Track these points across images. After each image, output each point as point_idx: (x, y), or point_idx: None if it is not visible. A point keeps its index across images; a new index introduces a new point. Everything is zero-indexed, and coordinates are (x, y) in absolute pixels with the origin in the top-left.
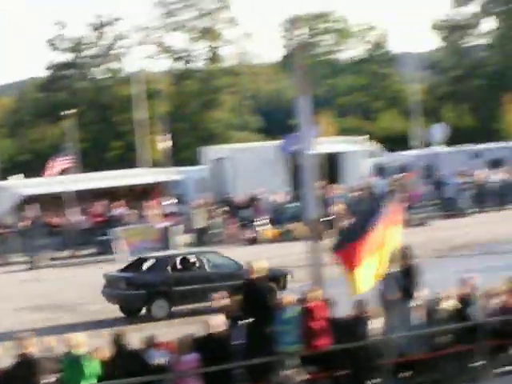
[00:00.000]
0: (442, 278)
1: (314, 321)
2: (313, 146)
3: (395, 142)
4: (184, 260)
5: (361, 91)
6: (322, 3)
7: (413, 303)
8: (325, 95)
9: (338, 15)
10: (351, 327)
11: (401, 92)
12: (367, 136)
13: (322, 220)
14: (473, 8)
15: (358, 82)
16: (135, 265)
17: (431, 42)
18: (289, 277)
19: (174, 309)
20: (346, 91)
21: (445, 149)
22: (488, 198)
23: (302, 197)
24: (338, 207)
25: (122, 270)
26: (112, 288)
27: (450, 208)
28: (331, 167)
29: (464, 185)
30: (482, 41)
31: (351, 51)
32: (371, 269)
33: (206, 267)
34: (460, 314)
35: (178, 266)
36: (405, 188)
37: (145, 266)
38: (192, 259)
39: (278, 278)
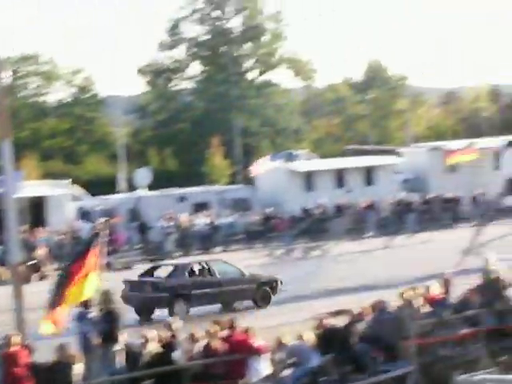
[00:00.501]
0: (146, 323)
1: (15, 367)
2: (16, 190)
3: (102, 185)
4: (198, 267)
5: (65, 135)
6: (29, 45)
7: (116, 347)
8: (29, 138)
9: (45, 58)
10: (53, 372)
11: (107, 135)
12: (71, 180)
13: (25, 264)
14: (178, 52)
15: (63, 126)
16: (149, 272)
17: (138, 86)
18: (279, 283)
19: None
20: (51, 134)
21: (150, 193)
22: (192, 241)
23: (5, 240)
24: (41, 251)
25: (141, 276)
26: (136, 291)
27: (154, 252)
28: (35, 211)
29: (168, 228)
30: (188, 85)
31: (58, 94)
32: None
33: (216, 273)
34: (164, 357)
35: (194, 272)
36: (109, 232)
37: (159, 273)
38: (204, 266)
39: (271, 283)
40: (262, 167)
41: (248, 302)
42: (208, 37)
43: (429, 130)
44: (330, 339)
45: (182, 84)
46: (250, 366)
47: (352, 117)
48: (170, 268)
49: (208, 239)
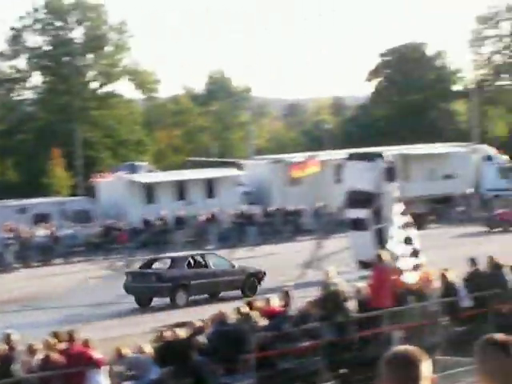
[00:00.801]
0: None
1: None
2: None
3: None
4: (194, 259)
5: None
6: None
7: None
8: None
9: None
10: None
11: None
12: None
13: None
14: (20, 62)
15: None
16: (148, 264)
17: None
18: (264, 274)
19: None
20: None
21: None
22: (32, 253)
23: None
24: None
25: (141, 268)
26: (139, 282)
27: None
28: None
29: (8, 240)
30: (30, 95)
31: None
32: None
33: (211, 265)
34: (1, 370)
35: (191, 264)
36: None
37: (157, 265)
38: (199, 259)
39: (257, 274)
40: (104, 179)
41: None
42: (50, 47)
43: (271, 142)
44: (170, 351)
45: (24, 94)
46: (90, 379)
47: (194, 129)
48: (168, 261)
49: (48, 251)
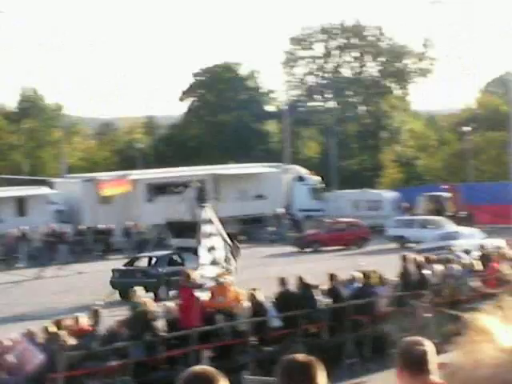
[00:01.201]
0: None
1: None
2: None
3: None
4: (172, 257)
5: None
6: None
7: None
8: None
9: None
10: None
11: None
12: None
13: None
14: None
15: None
16: (131, 262)
17: None
18: None
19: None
20: None
21: None
22: None
23: None
24: None
25: (126, 266)
26: (126, 278)
27: None
28: None
29: None
30: None
31: None
32: None
33: (186, 263)
34: None
35: (171, 262)
36: None
37: (139, 263)
38: (176, 257)
39: None
40: None
41: None
42: None
43: (83, 161)
44: None
45: None
46: None
47: (5, 146)
48: (147, 259)
49: None
